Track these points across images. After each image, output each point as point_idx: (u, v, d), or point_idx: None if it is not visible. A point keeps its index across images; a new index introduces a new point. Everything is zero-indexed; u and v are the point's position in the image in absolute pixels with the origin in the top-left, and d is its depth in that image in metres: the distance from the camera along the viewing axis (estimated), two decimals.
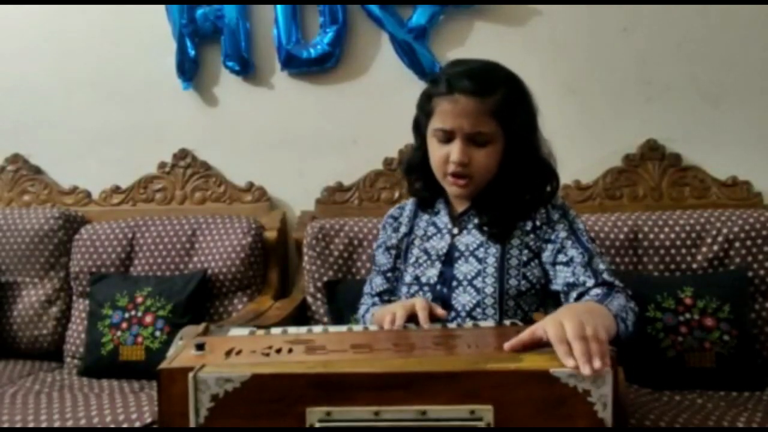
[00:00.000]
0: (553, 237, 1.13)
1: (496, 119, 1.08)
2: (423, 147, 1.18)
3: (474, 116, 1.07)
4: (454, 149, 1.09)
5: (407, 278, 1.20)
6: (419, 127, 1.20)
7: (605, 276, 1.06)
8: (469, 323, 1.05)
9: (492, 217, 1.15)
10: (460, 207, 1.20)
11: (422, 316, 0.99)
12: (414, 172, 1.24)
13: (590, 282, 1.06)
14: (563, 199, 1.20)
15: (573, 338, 0.73)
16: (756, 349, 1.55)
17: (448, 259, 1.16)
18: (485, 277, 1.12)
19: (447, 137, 1.10)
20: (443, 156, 1.11)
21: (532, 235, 1.14)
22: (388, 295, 1.26)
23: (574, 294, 1.07)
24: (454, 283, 1.14)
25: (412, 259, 1.20)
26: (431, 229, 1.21)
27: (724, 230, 1.65)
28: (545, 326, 0.78)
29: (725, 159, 1.84)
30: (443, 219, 1.21)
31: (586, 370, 0.70)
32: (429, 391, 0.71)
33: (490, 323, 1.05)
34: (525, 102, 1.13)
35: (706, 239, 1.66)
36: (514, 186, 1.14)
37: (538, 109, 1.15)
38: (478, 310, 1.11)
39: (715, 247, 1.64)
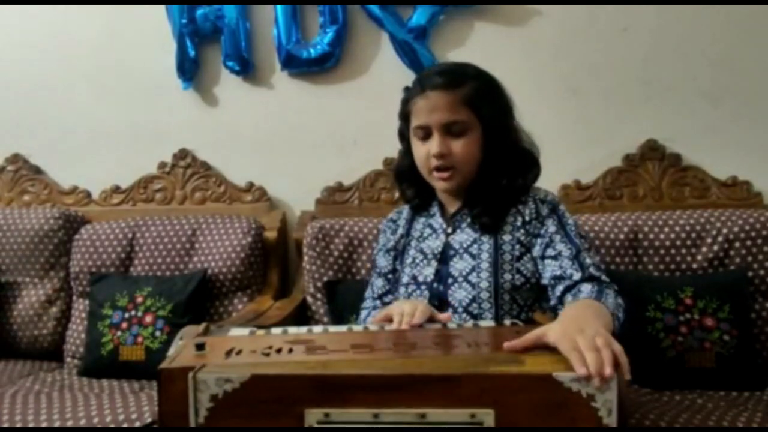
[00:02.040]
0: (542, 231, 1.15)
1: (468, 108, 1.13)
2: (409, 153, 1.23)
3: (446, 108, 1.12)
4: (433, 143, 1.14)
5: (404, 278, 1.22)
6: (403, 135, 1.25)
7: (592, 270, 1.07)
8: (469, 323, 1.05)
9: (482, 208, 1.17)
10: (452, 207, 1.23)
11: (418, 316, 0.99)
12: (404, 178, 1.28)
13: (577, 275, 1.07)
14: (553, 195, 1.21)
15: (586, 349, 0.73)
16: (756, 349, 1.55)
17: (444, 257, 1.18)
18: (480, 272, 1.13)
19: (425, 133, 1.15)
20: (425, 153, 1.16)
21: (522, 230, 1.16)
22: (389, 297, 1.28)
23: (560, 287, 1.07)
24: (450, 280, 1.15)
25: (409, 260, 1.23)
26: (427, 231, 1.24)
27: (724, 230, 1.65)
28: (556, 340, 0.77)
29: (725, 159, 1.84)
30: (438, 220, 1.24)
31: (595, 382, 0.69)
32: (429, 394, 0.70)
33: (490, 323, 1.05)
34: (496, 92, 1.18)
35: (706, 239, 1.66)
36: (497, 174, 1.17)
37: (513, 102, 1.19)
38: (474, 305, 1.12)
39: (715, 247, 1.64)
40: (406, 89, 1.22)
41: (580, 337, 0.75)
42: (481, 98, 1.14)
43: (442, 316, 1.03)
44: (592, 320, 0.84)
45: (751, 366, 1.50)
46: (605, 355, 0.72)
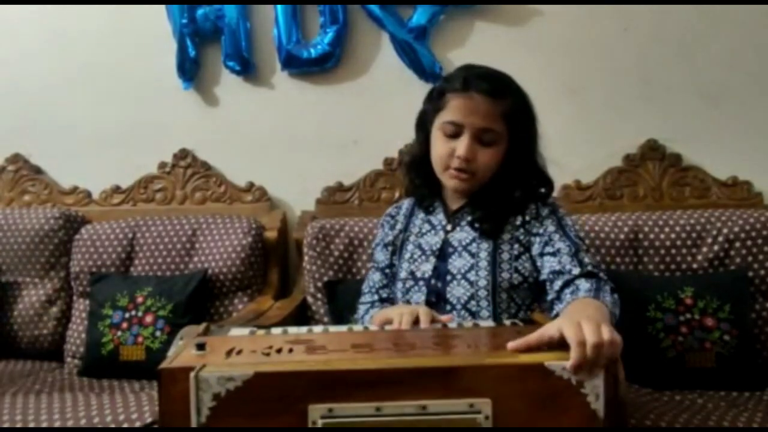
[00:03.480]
0: (541, 231, 1.16)
1: (504, 122, 1.13)
2: (425, 144, 1.21)
3: (486, 115, 1.12)
4: (461, 144, 1.13)
5: (402, 273, 1.22)
6: (424, 123, 1.22)
7: (590, 267, 1.08)
8: (468, 323, 1.05)
9: (485, 214, 1.18)
10: (455, 205, 1.23)
11: (424, 320, 1.00)
12: (416, 168, 1.27)
13: (576, 270, 1.07)
14: (554, 198, 1.23)
15: (590, 345, 0.74)
16: (756, 349, 1.55)
17: (442, 254, 1.19)
18: (478, 270, 1.14)
19: (456, 132, 1.14)
20: (448, 150, 1.15)
21: (522, 230, 1.17)
22: (386, 291, 1.28)
23: (559, 282, 1.08)
24: (448, 278, 1.16)
25: (407, 255, 1.23)
26: (426, 226, 1.24)
27: (725, 230, 1.65)
28: (562, 327, 0.78)
29: (725, 159, 1.84)
30: (438, 216, 1.24)
31: (583, 375, 0.72)
32: (429, 386, 0.72)
33: (489, 323, 1.05)
34: (530, 112, 1.19)
35: (706, 239, 1.66)
36: (509, 188, 1.18)
37: (539, 122, 1.20)
38: (473, 302, 1.13)
39: (716, 247, 1.64)
40: (446, 79, 1.20)
41: (585, 322, 0.77)
42: (518, 115, 1.14)
43: (444, 317, 1.03)
44: (597, 316, 0.86)
45: (752, 366, 1.50)
46: (606, 353, 0.74)
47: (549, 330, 0.79)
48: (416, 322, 1.00)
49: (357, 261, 1.78)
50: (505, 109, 1.12)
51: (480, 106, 1.12)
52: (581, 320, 0.77)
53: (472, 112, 1.12)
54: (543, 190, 1.21)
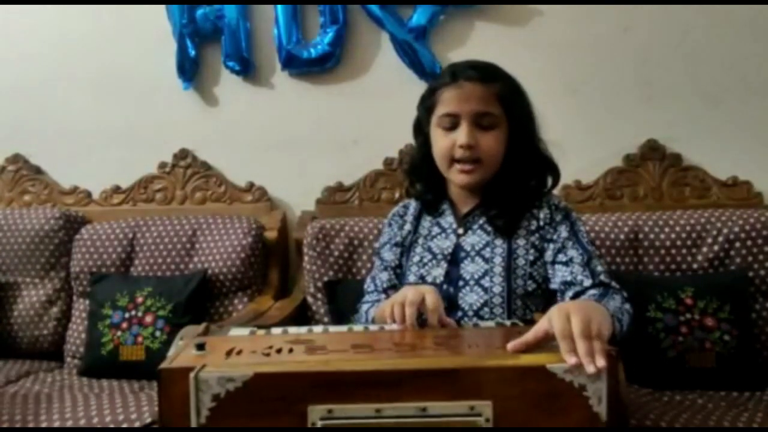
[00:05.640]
0: (554, 237, 1.14)
1: (500, 104, 1.12)
2: (424, 147, 1.20)
3: (480, 99, 1.11)
4: (461, 133, 1.11)
5: (411, 278, 1.19)
6: (420, 127, 1.22)
7: (602, 277, 1.08)
8: (469, 323, 1.05)
9: (499, 210, 1.16)
10: (465, 207, 1.21)
11: (431, 318, 0.95)
12: (416, 173, 1.25)
13: (587, 282, 1.07)
14: (566, 202, 1.21)
15: (578, 336, 0.74)
16: (756, 349, 1.55)
17: (454, 259, 1.16)
18: (492, 276, 1.12)
19: (453, 123, 1.12)
20: (449, 143, 1.13)
21: (537, 235, 1.15)
22: (394, 291, 1.22)
23: (570, 293, 1.07)
24: (461, 283, 1.14)
25: (416, 258, 1.20)
26: (435, 229, 1.21)
27: (725, 230, 1.65)
28: (551, 318, 0.78)
29: (725, 159, 1.84)
30: (448, 219, 1.21)
31: (590, 369, 0.71)
32: (429, 388, 0.72)
33: (490, 323, 1.05)
34: (524, 95, 1.17)
35: (706, 239, 1.66)
36: (517, 177, 1.16)
37: (534, 108, 1.19)
38: (486, 309, 1.11)
39: (716, 247, 1.64)
40: (434, 79, 1.20)
41: (575, 318, 0.76)
42: (512, 97, 1.13)
43: (449, 321, 0.98)
44: (590, 312, 0.82)
45: (752, 366, 1.50)
46: (596, 346, 0.73)
47: (542, 324, 0.79)
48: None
49: (357, 261, 1.78)
50: (498, 91, 1.11)
51: (472, 92, 1.11)
52: (571, 314, 0.77)
53: (465, 99, 1.11)
54: (551, 179, 1.20)
